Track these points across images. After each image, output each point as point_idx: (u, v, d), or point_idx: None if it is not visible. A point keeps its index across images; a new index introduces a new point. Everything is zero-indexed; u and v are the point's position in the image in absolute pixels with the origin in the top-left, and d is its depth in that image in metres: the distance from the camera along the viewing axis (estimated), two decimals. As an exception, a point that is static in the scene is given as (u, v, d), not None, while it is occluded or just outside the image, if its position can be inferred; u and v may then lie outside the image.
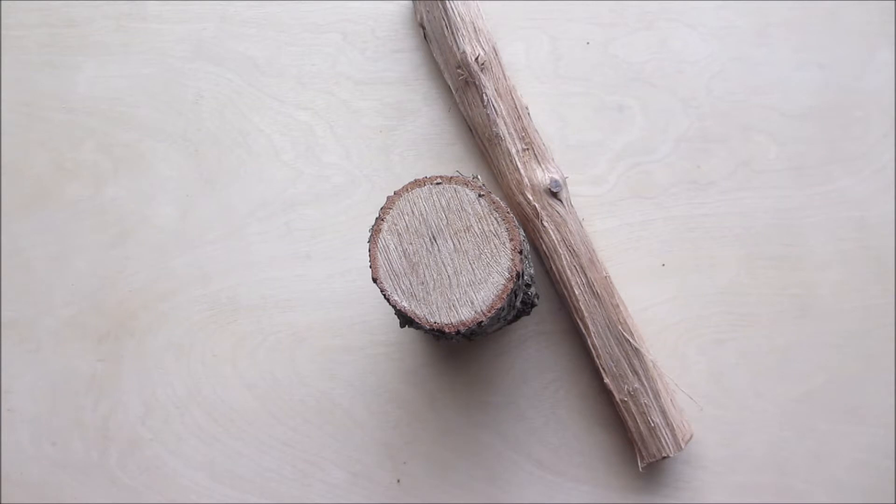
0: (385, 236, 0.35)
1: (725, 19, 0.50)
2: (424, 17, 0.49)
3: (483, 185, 0.37)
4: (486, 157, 0.48)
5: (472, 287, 0.34)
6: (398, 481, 0.47)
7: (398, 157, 0.50)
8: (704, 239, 0.49)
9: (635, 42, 0.50)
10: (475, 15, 0.47)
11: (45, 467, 0.49)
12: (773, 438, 0.47)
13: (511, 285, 0.34)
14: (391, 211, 0.35)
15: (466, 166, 0.50)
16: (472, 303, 0.34)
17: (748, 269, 0.48)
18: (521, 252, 0.35)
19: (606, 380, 0.45)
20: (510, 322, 0.44)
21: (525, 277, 0.38)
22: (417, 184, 0.35)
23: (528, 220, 0.46)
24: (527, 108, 0.47)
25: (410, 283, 0.34)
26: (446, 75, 0.49)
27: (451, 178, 0.35)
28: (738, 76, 0.50)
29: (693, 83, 0.50)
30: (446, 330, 0.34)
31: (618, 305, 0.45)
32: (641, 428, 0.44)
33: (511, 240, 0.34)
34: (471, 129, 0.49)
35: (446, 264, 0.34)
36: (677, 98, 0.50)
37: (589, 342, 0.45)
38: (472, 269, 0.34)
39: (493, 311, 0.34)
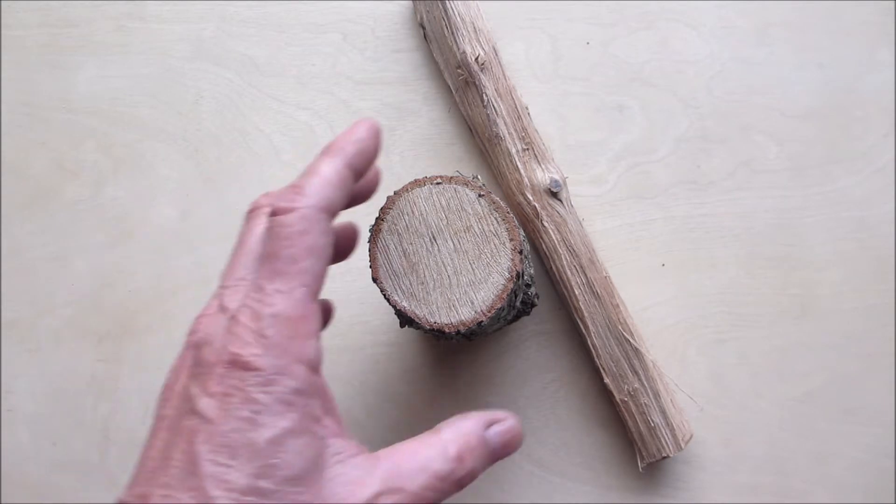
0: (385, 236, 0.35)
1: (725, 19, 0.50)
2: (424, 17, 0.49)
3: (483, 185, 0.37)
4: (486, 157, 0.49)
5: (472, 287, 0.34)
6: (398, 481, 0.47)
7: (398, 157, 0.50)
8: (704, 239, 0.49)
9: (635, 42, 0.50)
10: (475, 15, 0.47)
11: (45, 467, 0.49)
12: (773, 438, 0.47)
13: (511, 285, 0.34)
14: (391, 211, 0.35)
15: (466, 166, 0.50)
16: (472, 303, 0.34)
17: (748, 269, 0.48)
18: (521, 252, 0.35)
19: (606, 380, 0.45)
20: (510, 322, 0.44)
21: (525, 277, 0.38)
22: (417, 184, 0.35)
23: (528, 220, 0.46)
24: (527, 108, 0.47)
25: (410, 283, 0.34)
26: (446, 75, 0.49)
27: (451, 177, 0.35)
28: (739, 76, 0.50)
29: (693, 83, 0.50)
30: (446, 330, 0.34)
31: (618, 305, 0.45)
32: (641, 428, 0.44)
33: (511, 240, 0.34)
34: (471, 129, 0.49)
35: (446, 264, 0.34)
36: (677, 98, 0.50)
37: (589, 342, 0.45)
38: (472, 269, 0.34)
39: (493, 311, 0.34)
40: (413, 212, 0.35)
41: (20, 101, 0.51)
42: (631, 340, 0.45)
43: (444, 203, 0.35)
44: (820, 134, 0.49)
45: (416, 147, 0.50)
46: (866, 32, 0.50)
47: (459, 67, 0.47)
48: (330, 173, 0.29)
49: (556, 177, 0.46)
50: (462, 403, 0.48)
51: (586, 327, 0.45)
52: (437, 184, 0.35)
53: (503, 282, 0.34)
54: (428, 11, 0.48)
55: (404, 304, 0.34)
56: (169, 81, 0.51)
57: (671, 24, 0.50)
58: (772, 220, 0.49)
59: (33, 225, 0.51)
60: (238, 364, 0.25)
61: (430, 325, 0.34)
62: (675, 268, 0.49)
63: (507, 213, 0.35)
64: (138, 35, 0.51)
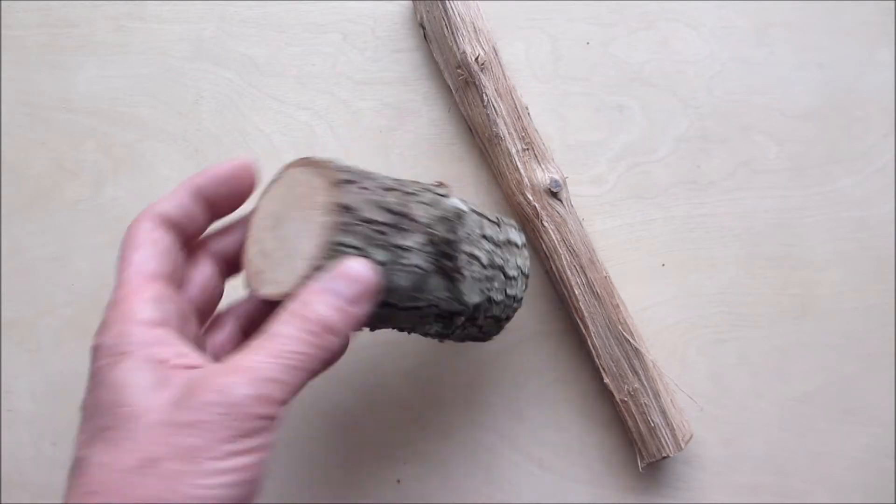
0: (251, 250, 0.35)
1: (725, 19, 0.50)
2: (424, 17, 0.49)
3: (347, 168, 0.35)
4: (486, 157, 0.49)
5: (310, 243, 0.32)
6: (398, 481, 0.47)
7: (398, 157, 0.50)
8: (704, 239, 0.49)
9: (635, 42, 0.50)
10: (475, 15, 0.47)
11: (45, 467, 0.49)
12: (773, 438, 0.47)
13: (337, 219, 0.32)
14: (252, 226, 0.35)
15: (466, 166, 0.50)
16: (311, 258, 0.32)
17: (748, 269, 0.48)
18: (345, 183, 0.33)
19: (606, 380, 0.45)
20: (504, 320, 0.42)
21: (443, 245, 0.35)
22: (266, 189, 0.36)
23: (528, 220, 0.46)
24: (527, 108, 0.47)
25: (272, 274, 0.34)
26: (446, 75, 0.49)
27: (285, 166, 0.35)
28: (738, 76, 0.50)
29: (693, 83, 0.50)
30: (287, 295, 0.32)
31: (618, 305, 0.45)
32: (641, 428, 0.44)
33: (330, 186, 0.32)
34: (471, 129, 0.49)
35: (291, 244, 0.33)
36: (677, 98, 0.50)
37: (589, 342, 0.45)
38: (310, 238, 0.33)
39: (326, 252, 0.31)
40: (267, 212, 0.35)
41: (20, 101, 0.51)
42: (631, 340, 0.45)
43: (281, 193, 0.35)
44: (820, 134, 0.49)
45: (416, 147, 0.50)
46: (866, 32, 0.50)
47: (459, 67, 0.47)
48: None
49: (556, 177, 0.46)
50: (462, 403, 0.48)
51: (586, 327, 0.45)
52: (274, 181, 0.35)
53: (325, 220, 0.32)
54: (428, 11, 0.48)
55: (266, 291, 0.33)
56: (169, 81, 0.51)
57: (671, 24, 0.50)
58: (772, 220, 0.49)
59: (33, 225, 0.51)
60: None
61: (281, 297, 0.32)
62: (675, 268, 0.49)
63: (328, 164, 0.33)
64: (138, 35, 0.51)
